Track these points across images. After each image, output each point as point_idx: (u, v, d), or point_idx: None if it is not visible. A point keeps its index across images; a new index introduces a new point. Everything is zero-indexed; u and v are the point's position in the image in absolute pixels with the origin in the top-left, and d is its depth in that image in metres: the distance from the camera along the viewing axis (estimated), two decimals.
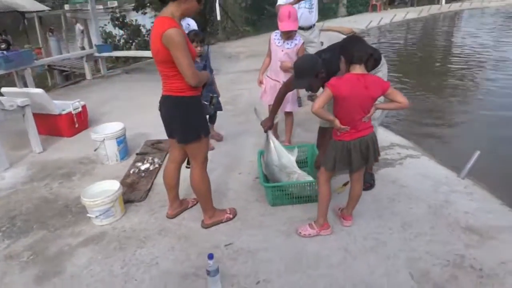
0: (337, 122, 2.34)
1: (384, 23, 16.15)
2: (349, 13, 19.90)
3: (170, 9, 2.29)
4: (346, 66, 2.34)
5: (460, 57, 9.95)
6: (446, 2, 25.57)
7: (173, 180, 2.84)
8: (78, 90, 7.09)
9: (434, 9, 21.80)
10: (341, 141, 2.41)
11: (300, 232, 2.64)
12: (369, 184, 3.15)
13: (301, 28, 4.64)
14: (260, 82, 3.97)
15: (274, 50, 3.73)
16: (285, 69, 3.67)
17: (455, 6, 24.11)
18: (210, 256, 2.14)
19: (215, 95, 3.20)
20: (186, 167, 2.82)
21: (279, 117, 3.49)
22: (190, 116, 2.45)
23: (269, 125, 3.23)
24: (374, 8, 21.54)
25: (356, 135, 2.38)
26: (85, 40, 14.58)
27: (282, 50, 3.66)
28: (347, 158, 2.42)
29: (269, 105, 3.82)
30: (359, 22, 15.51)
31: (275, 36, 3.74)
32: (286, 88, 3.21)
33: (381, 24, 15.79)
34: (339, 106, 2.34)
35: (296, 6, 4.39)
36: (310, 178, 3.00)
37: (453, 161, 3.72)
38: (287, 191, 2.97)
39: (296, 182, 2.97)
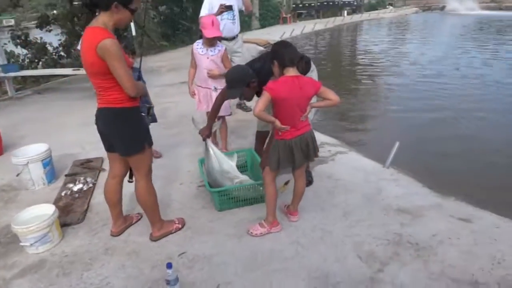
0: (277, 122, 2.45)
1: (296, 34, 17.05)
2: (262, 26, 20.64)
3: (102, 19, 2.23)
4: (280, 70, 2.47)
5: (367, 63, 10.89)
6: (348, 14, 27.80)
7: (116, 196, 2.73)
8: None
9: (338, 20, 23.55)
10: (283, 140, 2.53)
11: (251, 232, 2.70)
12: (308, 181, 3.32)
13: (225, 39, 4.77)
14: (193, 93, 4.00)
15: (199, 59, 3.79)
16: (213, 77, 3.76)
17: (356, 18, 26.31)
18: (169, 265, 2.10)
19: (152, 105, 3.15)
20: (129, 181, 2.73)
21: (217, 125, 3.54)
22: (132, 127, 2.39)
23: (207, 133, 3.26)
24: (285, 21, 22.60)
25: (296, 133, 2.51)
26: None
27: (208, 58, 3.75)
28: (290, 156, 2.55)
29: (207, 113, 3.88)
30: (273, 34, 16.16)
31: (197, 45, 3.81)
32: (222, 96, 3.28)
33: (293, 35, 16.63)
34: (278, 107, 2.45)
35: (218, 17, 4.50)
36: (252, 181, 3.10)
37: (377, 154, 4.07)
38: (233, 195, 3.02)
39: (242, 185, 3.03)
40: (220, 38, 3.99)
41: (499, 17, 24.73)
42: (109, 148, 2.56)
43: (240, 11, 5.20)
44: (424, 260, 2.39)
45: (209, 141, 3.25)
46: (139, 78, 3.27)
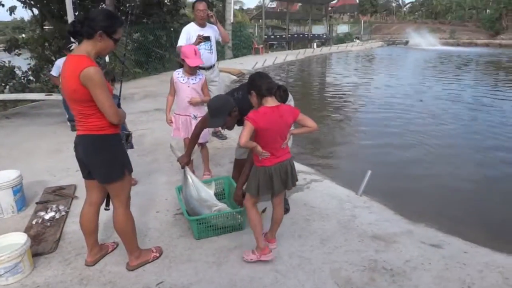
0: (258, 148, 2.51)
1: (268, 65, 17.51)
2: (235, 56, 21.05)
3: (84, 47, 2.27)
4: (258, 100, 2.55)
5: (336, 94, 11.28)
6: (318, 46, 28.86)
7: (93, 224, 2.67)
8: None
9: (308, 52, 24.43)
10: (262, 166, 2.59)
11: (243, 257, 2.72)
12: (285, 208, 3.38)
13: (202, 68, 4.87)
14: (170, 121, 4.04)
15: (180, 87, 3.87)
16: (195, 104, 3.84)
17: (325, 50, 27.37)
18: None
19: (130, 132, 3.16)
20: (105, 209, 2.70)
21: (196, 153, 3.57)
22: (112, 154, 2.40)
23: (186, 161, 3.28)
24: (257, 51, 23.20)
25: (276, 160, 2.58)
26: None
27: (189, 86, 3.84)
28: (269, 182, 2.60)
29: (184, 139, 3.97)
30: (246, 64, 16.55)
31: (177, 74, 3.90)
32: (202, 124, 3.34)
33: (265, 65, 17.07)
34: (260, 136, 2.52)
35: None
36: (231, 209, 3.12)
37: (349, 182, 4.21)
38: (211, 223, 3.02)
39: (220, 213, 3.04)
40: (199, 67, 4.10)
41: (457, 52, 26.47)
42: (87, 175, 2.53)
43: (217, 42, 5.35)
44: (399, 285, 2.46)
45: (187, 168, 3.27)
46: (119, 105, 3.29)
